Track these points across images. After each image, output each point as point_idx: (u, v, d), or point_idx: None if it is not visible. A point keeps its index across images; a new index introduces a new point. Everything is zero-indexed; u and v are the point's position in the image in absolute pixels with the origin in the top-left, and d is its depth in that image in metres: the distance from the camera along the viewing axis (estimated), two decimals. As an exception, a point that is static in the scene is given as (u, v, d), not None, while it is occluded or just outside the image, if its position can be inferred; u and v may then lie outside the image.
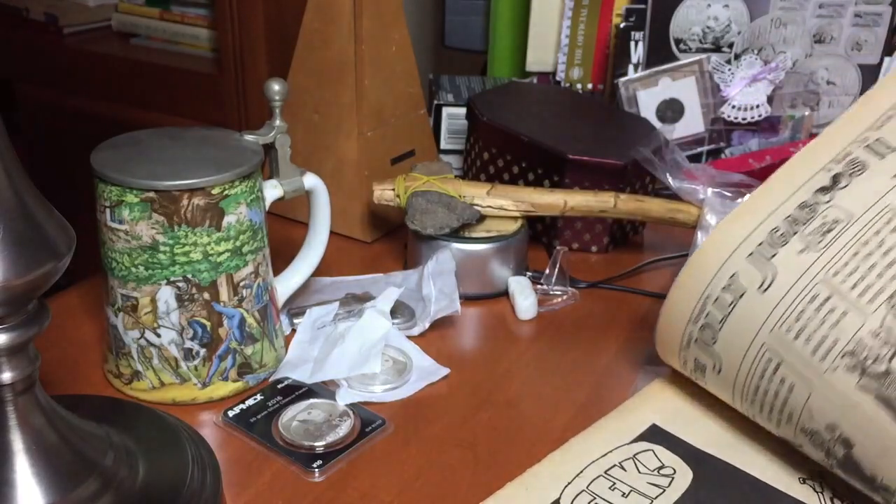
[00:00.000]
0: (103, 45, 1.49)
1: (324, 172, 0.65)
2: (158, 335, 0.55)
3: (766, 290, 0.49)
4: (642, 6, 0.89)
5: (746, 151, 0.88)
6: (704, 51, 0.89)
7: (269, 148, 0.60)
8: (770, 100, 0.88)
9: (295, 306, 0.65)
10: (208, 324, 0.55)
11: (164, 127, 0.59)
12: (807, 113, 0.89)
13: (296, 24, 0.77)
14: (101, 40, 1.51)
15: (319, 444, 0.52)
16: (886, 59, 0.91)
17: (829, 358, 0.46)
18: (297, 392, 0.57)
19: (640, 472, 0.51)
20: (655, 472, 0.51)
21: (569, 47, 0.94)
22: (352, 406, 0.55)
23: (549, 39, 0.96)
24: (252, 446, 0.53)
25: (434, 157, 0.85)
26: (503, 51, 1.02)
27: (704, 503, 0.49)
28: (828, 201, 0.50)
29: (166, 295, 0.54)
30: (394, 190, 0.70)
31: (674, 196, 0.70)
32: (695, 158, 0.89)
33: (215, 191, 0.52)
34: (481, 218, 0.70)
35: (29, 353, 0.41)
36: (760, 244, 0.50)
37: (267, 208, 0.58)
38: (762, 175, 0.73)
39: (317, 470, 0.51)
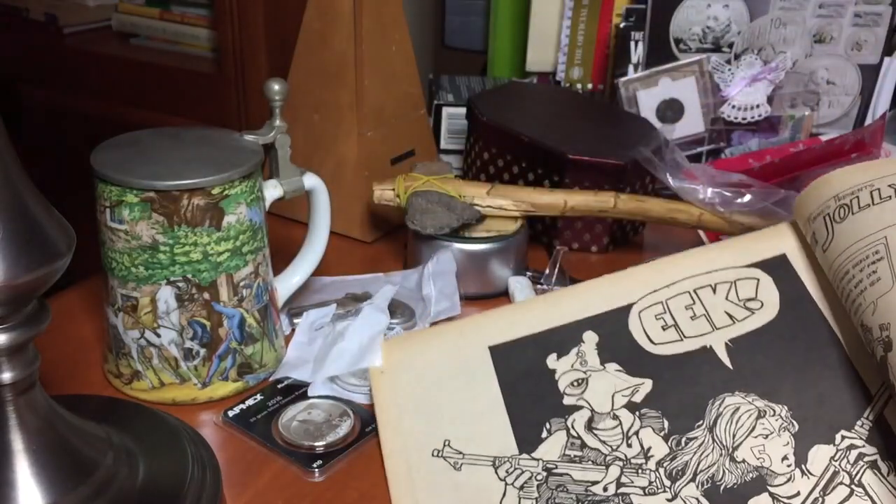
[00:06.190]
0: (103, 45, 1.49)
1: (324, 172, 0.65)
2: (158, 335, 0.55)
3: None
4: (642, 6, 0.89)
5: (746, 151, 0.88)
6: (704, 51, 0.89)
7: (269, 148, 0.60)
8: (770, 100, 0.88)
9: (295, 306, 0.65)
10: (208, 324, 0.55)
11: (164, 127, 0.59)
12: (807, 113, 0.89)
13: (296, 24, 0.77)
14: (101, 40, 1.51)
15: (319, 444, 0.52)
16: (886, 59, 0.91)
17: None
18: (297, 392, 0.57)
19: (727, 298, 0.47)
20: (741, 304, 0.47)
21: (569, 47, 0.94)
22: (352, 406, 0.55)
23: (549, 39, 0.96)
24: (252, 446, 0.53)
25: (434, 157, 0.85)
26: (503, 51, 1.02)
27: (760, 346, 0.45)
28: None
29: (166, 295, 0.54)
30: (394, 190, 0.70)
31: (674, 196, 0.70)
32: (695, 158, 0.89)
33: (215, 191, 0.52)
34: (481, 218, 0.70)
35: (29, 353, 0.41)
36: None
37: (267, 208, 0.58)
38: (762, 175, 0.73)
39: (317, 470, 0.51)
